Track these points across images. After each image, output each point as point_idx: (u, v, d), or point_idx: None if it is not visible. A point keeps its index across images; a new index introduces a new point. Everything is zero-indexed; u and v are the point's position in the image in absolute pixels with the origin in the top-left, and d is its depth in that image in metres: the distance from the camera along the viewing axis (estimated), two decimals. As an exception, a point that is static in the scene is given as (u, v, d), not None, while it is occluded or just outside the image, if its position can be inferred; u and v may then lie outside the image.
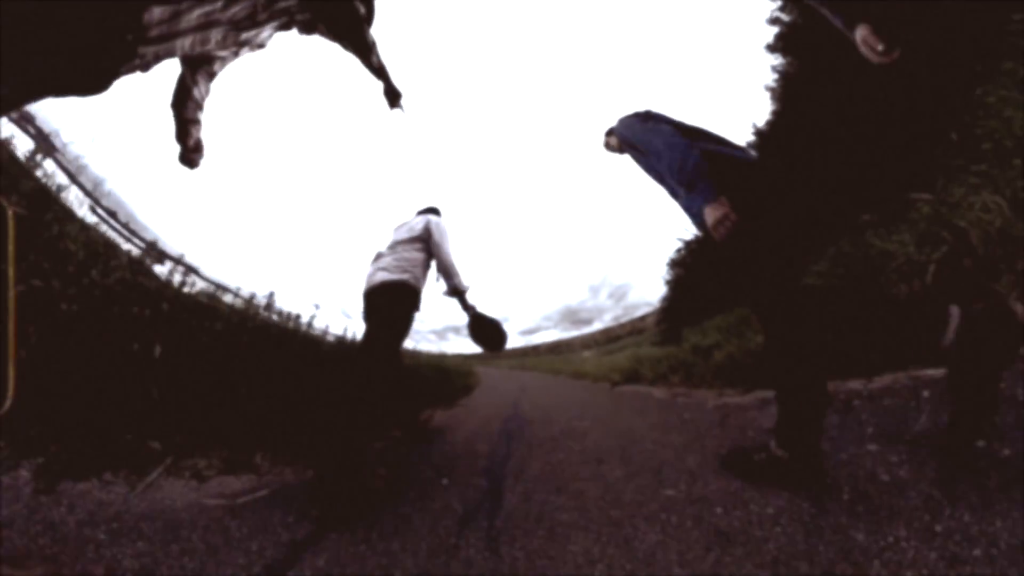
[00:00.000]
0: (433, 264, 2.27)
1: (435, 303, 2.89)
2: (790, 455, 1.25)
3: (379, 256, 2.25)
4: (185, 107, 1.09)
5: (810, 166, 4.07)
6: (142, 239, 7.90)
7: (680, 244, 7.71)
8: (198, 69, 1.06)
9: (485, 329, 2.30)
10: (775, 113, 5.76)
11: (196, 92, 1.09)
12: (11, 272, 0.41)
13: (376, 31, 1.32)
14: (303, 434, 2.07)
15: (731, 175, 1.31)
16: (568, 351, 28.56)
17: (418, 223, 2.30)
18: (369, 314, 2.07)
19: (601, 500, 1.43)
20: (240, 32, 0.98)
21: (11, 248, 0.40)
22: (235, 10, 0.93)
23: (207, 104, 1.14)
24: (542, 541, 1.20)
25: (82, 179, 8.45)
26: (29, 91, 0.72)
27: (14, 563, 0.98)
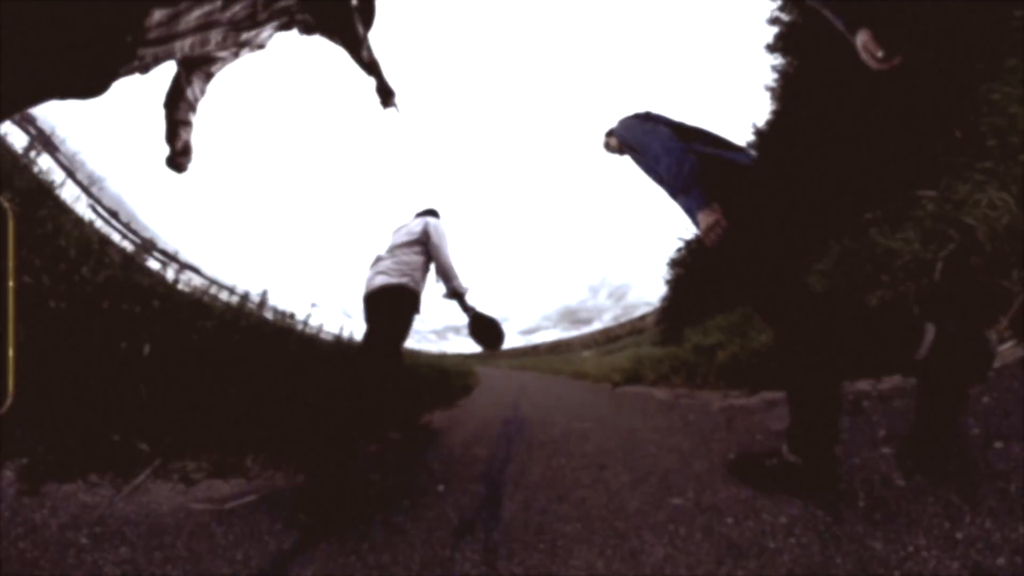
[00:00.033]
0: (432, 266, 2.32)
1: (435, 303, 3.01)
2: (804, 461, 1.21)
3: (378, 260, 2.29)
4: (177, 108, 1.06)
5: (810, 166, 4.06)
6: (140, 236, 7.85)
7: (680, 243, 7.72)
8: (195, 69, 1.04)
9: (484, 328, 2.38)
10: (775, 113, 5.76)
11: (190, 93, 1.06)
12: (11, 270, 0.40)
13: (375, 30, 1.28)
14: (295, 437, 2.02)
15: (725, 180, 1.31)
16: (568, 351, 28.59)
17: (417, 226, 2.34)
18: (369, 318, 2.11)
19: (604, 509, 1.37)
20: (240, 33, 0.95)
21: (11, 246, 0.39)
22: (235, 10, 0.91)
23: (203, 105, 1.12)
24: (542, 556, 1.14)
25: (79, 176, 8.39)
26: (28, 94, 0.70)
27: None
